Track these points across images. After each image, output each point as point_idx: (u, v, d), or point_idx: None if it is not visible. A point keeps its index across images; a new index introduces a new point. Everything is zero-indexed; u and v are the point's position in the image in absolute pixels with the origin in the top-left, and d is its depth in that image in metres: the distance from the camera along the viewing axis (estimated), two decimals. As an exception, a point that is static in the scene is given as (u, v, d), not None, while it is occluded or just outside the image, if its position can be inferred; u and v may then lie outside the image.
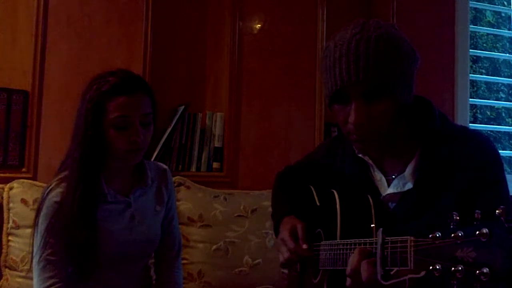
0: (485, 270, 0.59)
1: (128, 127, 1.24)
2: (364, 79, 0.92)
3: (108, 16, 2.12)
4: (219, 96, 2.29)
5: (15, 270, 1.79)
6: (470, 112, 2.73)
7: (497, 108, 3.34)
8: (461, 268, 0.62)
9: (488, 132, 3.15)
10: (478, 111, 3.21)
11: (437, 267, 0.65)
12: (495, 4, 3.11)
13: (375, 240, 0.83)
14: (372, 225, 0.84)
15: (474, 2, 2.80)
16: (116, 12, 2.13)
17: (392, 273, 0.78)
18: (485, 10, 3.14)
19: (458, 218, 0.66)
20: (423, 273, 0.70)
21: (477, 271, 0.60)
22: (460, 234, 0.63)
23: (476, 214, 0.63)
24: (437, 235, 0.67)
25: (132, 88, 1.26)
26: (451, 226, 0.66)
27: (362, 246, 0.87)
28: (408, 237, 0.74)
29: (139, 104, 1.26)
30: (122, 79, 1.26)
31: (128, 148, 1.25)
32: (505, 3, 3.24)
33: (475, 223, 0.63)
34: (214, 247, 1.98)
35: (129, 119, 1.24)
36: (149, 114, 1.29)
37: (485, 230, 0.60)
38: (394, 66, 0.94)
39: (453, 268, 0.63)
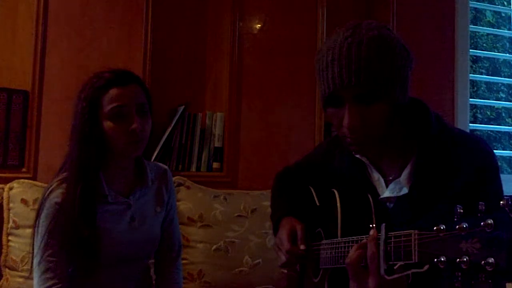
0: (491, 260, 0.60)
1: (125, 117, 1.24)
2: (356, 82, 0.92)
3: (108, 16, 2.12)
4: (219, 96, 2.29)
5: (15, 270, 1.79)
6: (470, 112, 2.73)
7: (497, 108, 3.34)
8: (466, 259, 0.62)
9: (488, 132, 3.15)
10: (478, 111, 3.21)
11: (442, 259, 0.66)
12: (495, 4, 3.11)
13: (378, 235, 0.83)
14: (373, 225, 0.84)
15: (474, 2, 2.80)
16: (116, 12, 2.13)
17: (395, 267, 0.78)
18: (485, 10, 3.14)
19: (462, 211, 0.66)
20: (426, 267, 0.70)
21: (483, 262, 0.60)
22: (464, 226, 0.64)
23: (480, 206, 0.64)
24: (441, 227, 0.68)
25: (125, 80, 1.27)
26: (455, 219, 0.66)
27: (360, 242, 0.88)
28: (412, 230, 0.74)
29: (133, 94, 1.27)
30: (115, 73, 1.28)
31: (127, 139, 1.25)
32: (505, 3, 3.25)
33: (479, 215, 0.63)
34: (214, 247, 1.98)
35: (125, 109, 1.24)
36: (145, 104, 1.29)
37: (489, 221, 0.61)
38: (387, 68, 0.93)
39: (458, 260, 0.63)
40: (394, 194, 1.03)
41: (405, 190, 1.01)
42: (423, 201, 0.98)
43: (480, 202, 0.64)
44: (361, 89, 0.93)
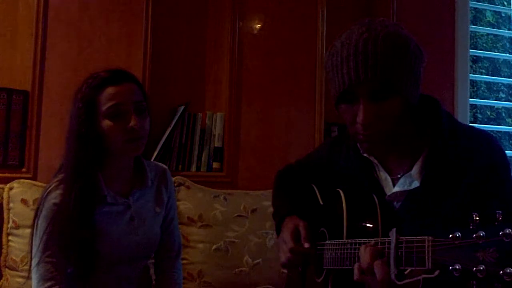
0: (509, 270, 0.59)
1: (123, 115, 1.24)
2: (373, 77, 0.92)
3: (108, 16, 2.12)
4: (219, 96, 2.29)
5: (15, 270, 1.79)
6: (470, 112, 2.73)
7: (497, 108, 3.34)
8: (483, 268, 0.62)
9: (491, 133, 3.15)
10: (478, 111, 3.21)
11: (457, 267, 0.65)
12: (495, 4, 3.11)
13: (388, 239, 0.83)
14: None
15: (474, 2, 2.80)
16: (116, 12, 2.12)
17: (406, 273, 0.78)
18: (485, 10, 3.14)
19: (478, 218, 0.66)
20: (437, 272, 0.70)
21: (501, 271, 0.60)
22: (482, 234, 0.64)
23: (497, 215, 0.63)
24: (457, 235, 0.67)
25: (121, 78, 1.27)
26: (471, 227, 0.66)
27: (373, 245, 0.87)
28: (426, 237, 0.74)
29: (130, 92, 1.27)
30: (110, 72, 1.27)
31: (126, 137, 1.24)
32: (505, 3, 3.25)
33: (496, 223, 0.63)
34: (214, 247, 1.98)
35: (123, 107, 1.24)
36: (142, 102, 1.29)
37: (508, 231, 0.60)
38: (402, 65, 0.94)
39: (474, 269, 0.63)
40: (405, 188, 1.03)
41: (416, 184, 1.01)
42: (434, 196, 0.98)
43: (498, 211, 0.63)
44: (377, 84, 0.93)
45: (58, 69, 2.05)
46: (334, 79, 0.99)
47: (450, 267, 0.66)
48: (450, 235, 0.68)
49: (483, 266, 0.62)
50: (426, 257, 0.73)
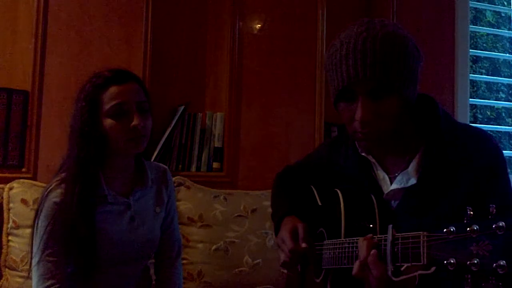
0: (502, 263, 0.60)
1: (125, 115, 1.25)
2: (371, 76, 0.93)
3: (108, 16, 2.12)
4: (219, 96, 2.29)
5: (15, 270, 1.79)
6: (470, 112, 2.73)
7: (497, 108, 3.34)
8: (477, 261, 0.62)
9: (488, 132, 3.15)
10: (478, 111, 3.21)
11: (452, 261, 0.66)
12: (495, 4, 3.11)
13: (384, 237, 0.83)
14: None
15: (474, 2, 2.80)
16: (116, 12, 2.13)
17: (402, 269, 0.78)
18: (485, 10, 3.14)
19: (472, 213, 0.66)
20: (433, 269, 0.70)
21: (494, 264, 0.60)
22: (475, 228, 0.64)
23: (491, 209, 0.64)
24: (452, 229, 0.67)
25: (124, 78, 1.28)
26: (465, 221, 0.66)
27: (370, 238, 0.87)
28: (420, 232, 0.74)
29: (133, 92, 1.27)
30: (114, 72, 1.28)
31: (128, 136, 1.25)
32: (505, 3, 3.25)
33: (490, 217, 0.63)
34: (214, 247, 1.98)
35: (125, 106, 1.25)
36: (145, 102, 1.30)
37: (501, 224, 0.61)
38: (401, 64, 0.94)
39: (468, 262, 0.63)
40: (402, 186, 1.03)
41: (413, 181, 1.01)
42: (431, 194, 0.98)
43: (491, 205, 0.64)
44: (375, 82, 0.94)
45: (58, 69, 2.05)
46: (333, 77, 0.99)
47: (445, 262, 0.67)
48: (445, 230, 0.68)
49: (477, 259, 0.62)
50: (422, 252, 0.73)
